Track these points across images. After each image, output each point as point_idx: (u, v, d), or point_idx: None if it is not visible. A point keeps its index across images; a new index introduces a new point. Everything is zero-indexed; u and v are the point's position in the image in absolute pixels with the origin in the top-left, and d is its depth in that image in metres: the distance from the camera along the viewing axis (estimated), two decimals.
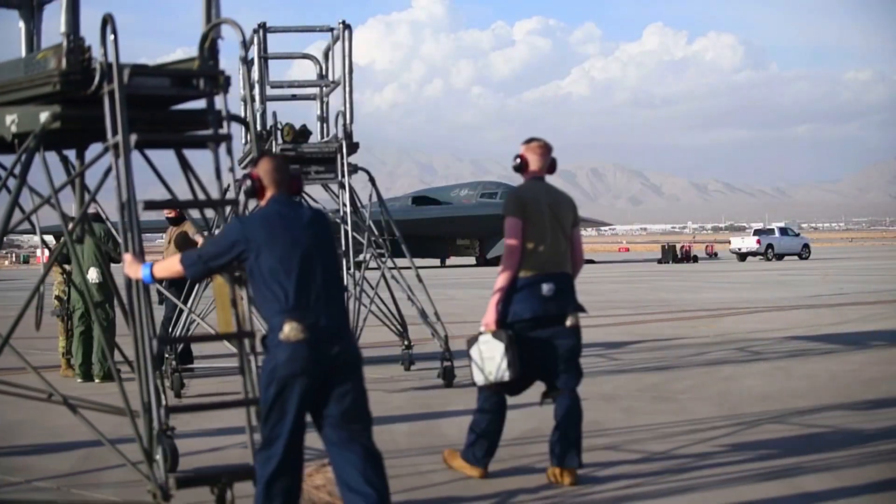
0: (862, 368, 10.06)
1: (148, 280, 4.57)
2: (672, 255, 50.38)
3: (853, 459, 6.01)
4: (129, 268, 4.62)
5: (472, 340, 5.60)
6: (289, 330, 4.06)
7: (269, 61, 9.78)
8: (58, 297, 10.37)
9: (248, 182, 4.30)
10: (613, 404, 8.11)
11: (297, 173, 4.45)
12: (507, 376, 5.45)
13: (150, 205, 4.88)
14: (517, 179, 6.02)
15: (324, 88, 10.32)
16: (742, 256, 51.32)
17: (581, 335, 5.68)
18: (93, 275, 9.81)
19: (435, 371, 9.57)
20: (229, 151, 4.98)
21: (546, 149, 5.82)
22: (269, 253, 4.13)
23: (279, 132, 9.59)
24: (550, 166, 5.86)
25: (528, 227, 5.57)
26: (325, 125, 10.50)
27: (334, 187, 9.94)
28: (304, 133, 9.75)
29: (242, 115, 10.53)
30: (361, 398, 4.25)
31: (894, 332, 13.60)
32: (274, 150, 9.42)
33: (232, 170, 4.85)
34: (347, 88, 9.61)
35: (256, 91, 9.62)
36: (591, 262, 55.00)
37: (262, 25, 9.61)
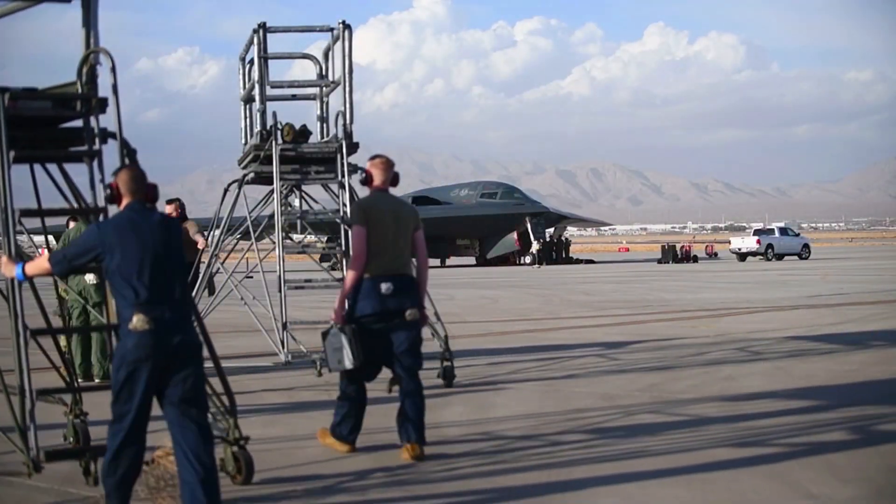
0: (862, 368, 10.06)
1: (20, 277, 5.06)
2: (672, 255, 50.42)
3: (854, 459, 6.01)
4: (5, 268, 5.14)
5: (325, 333, 6.28)
6: (136, 321, 4.63)
7: (270, 61, 9.77)
8: (59, 297, 10.36)
9: (108, 190, 4.92)
10: (613, 404, 8.11)
11: (152, 184, 5.01)
12: (348, 365, 6.16)
13: (26, 212, 5.49)
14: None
15: (324, 88, 10.32)
16: (742, 256, 51.34)
17: (421, 328, 6.46)
18: (90, 277, 9.82)
19: (435, 371, 9.56)
20: (100, 166, 5.49)
21: (388, 164, 6.53)
22: (121, 253, 4.70)
23: (279, 132, 9.58)
24: (393, 179, 6.58)
25: (371, 234, 6.25)
26: (325, 125, 10.50)
27: (334, 187, 9.93)
28: (304, 133, 9.75)
29: (244, 114, 10.56)
30: (199, 383, 4.82)
31: (894, 332, 13.60)
32: (274, 149, 9.42)
33: (102, 181, 5.36)
34: (347, 88, 9.61)
35: (256, 91, 9.62)
36: (591, 262, 55.21)
37: (262, 25, 9.62)
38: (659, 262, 49.82)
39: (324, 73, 10.28)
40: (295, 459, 6.25)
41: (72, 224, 10.72)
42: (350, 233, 6.34)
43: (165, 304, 4.70)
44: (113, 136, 5.52)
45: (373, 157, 6.55)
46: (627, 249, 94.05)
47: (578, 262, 55.30)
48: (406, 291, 6.34)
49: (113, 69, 5.39)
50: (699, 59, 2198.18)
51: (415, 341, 6.42)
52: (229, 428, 5.51)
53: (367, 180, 6.53)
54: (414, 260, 6.57)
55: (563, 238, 62.22)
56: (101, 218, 5.54)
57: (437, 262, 53.93)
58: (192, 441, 4.71)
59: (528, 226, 50.87)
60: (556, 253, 56.02)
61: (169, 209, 10.92)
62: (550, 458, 6.15)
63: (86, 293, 9.52)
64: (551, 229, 57.48)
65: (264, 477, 5.63)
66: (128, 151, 5.44)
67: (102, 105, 5.57)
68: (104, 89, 5.67)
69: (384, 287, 6.22)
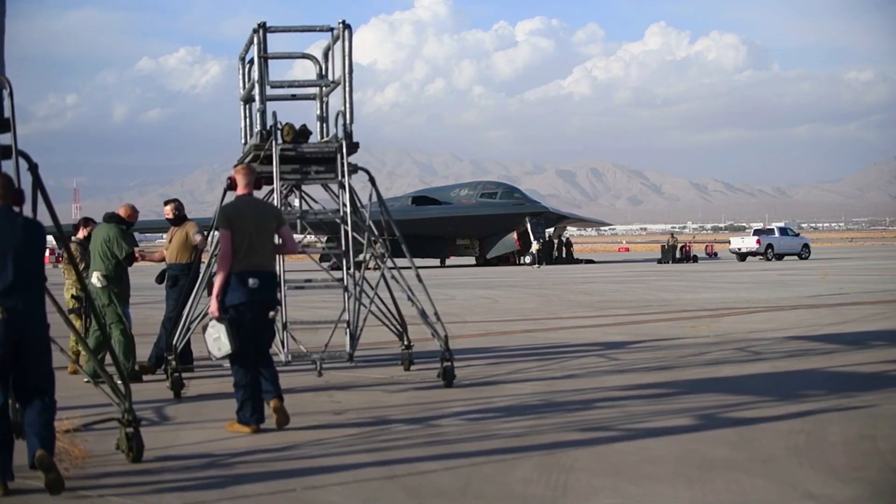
0: (862, 368, 10.06)
1: None
2: (672, 254, 50.42)
3: (854, 459, 6.01)
4: None
5: (205, 326, 7.14)
6: None
7: (271, 61, 9.76)
8: (75, 297, 10.39)
9: None
10: (613, 404, 8.10)
11: (19, 190, 5.66)
12: (226, 350, 7.00)
13: None
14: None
15: (323, 88, 10.30)
16: (742, 256, 51.36)
17: (274, 323, 7.46)
18: (94, 279, 9.88)
19: (435, 371, 9.57)
20: None
21: (249, 170, 7.44)
22: None
23: (279, 132, 9.57)
24: (256, 184, 7.49)
25: (235, 236, 7.05)
26: (325, 125, 10.49)
27: (334, 187, 9.92)
28: (304, 133, 9.73)
29: (244, 114, 10.55)
30: (45, 365, 5.55)
31: (894, 332, 13.60)
32: (274, 149, 9.41)
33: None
34: (347, 88, 9.59)
35: (256, 91, 9.61)
36: (590, 262, 55.23)
37: (262, 25, 9.59)
38: (659, 262, 49.84)
39: (324, 72, 10.27)
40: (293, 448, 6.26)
41: (81, 232, 10.78)
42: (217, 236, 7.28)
43: (20, 297, 5.39)
44: (11, 151, 5.93)
45: (236, 165, 7.36)
46: (627, 249, 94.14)
47: (578, 262, 55.36)
48: (270, 287, 7.21)
49: (10, 94, 5.97)
50: (700, 59, 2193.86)
51: (270, 335, 7.38)
52: (124, 412, 6.13)
53: (231, 186, 7.38)
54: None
55: (567, 238, 62.40)
56: None
57: (436, 262, 53.98)
58: (33, 418, 5.45)
59: (528, 226, 50.88)
60: (559, 252, 56.26)
61: (167, 210, 10.90)
62: (550, 458, 6.15)
63: (93, 295, 9.54)
64: (551, 229, 57.53)
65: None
66: (30, 166, 5.84)
67: (6, 125, 6.02)
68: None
69: (251, 281, 7.04)
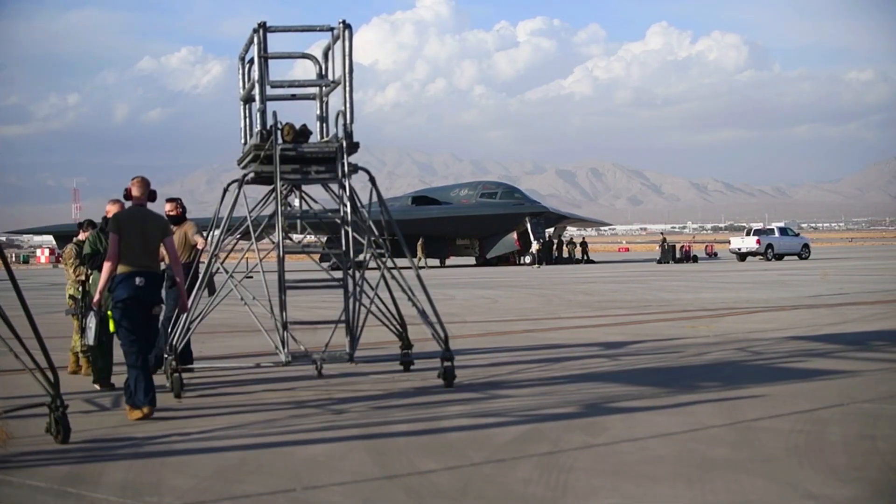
0: (862, 368, 10.06)
1: None
2: (671, 254, 50.46)
3: (854, 459, 6.01)
4: None
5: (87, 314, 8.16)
6: None
7: (271, 61, 9.75)
8: (72, 297, 10.40)
9: None
10: (612, 404, 8.10)
11: None
12: (90, 341, 8.22)
13: None
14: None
15: (323, 88, 10.29)
16: (742, 256, 51.39)
17: (159, 319, 8.57)
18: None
19: (435, 371, 9.57)
20: None
21: (143, 183, 8.30)
22: None
23: (279, 132, 9.57)
24: (150, 195, 8.29)
25: (123, 239, 7.97)
26: (325, 125, 10.48)
27: (334, 187, 9.92)
28: (304, 133, 9.72)
29: (244, 114, 10.54)
30: None
31: (894, 332, 13.60)
32: (274, 149, 9.40)
33: None
34: (347, 88, 9.58)
35: (256, 90, 9.60)
36: (591, 262, 55.26)
37: (262, 25, 9.58)
38: (658, 262, 49.86)
39: (324, 72, 10.26)
40: (295, 460, 6.26)
41: (82, 234, 10.78)
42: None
43: None
44: None
45: (134, 178, 8.31)
46: (627, 249, 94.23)
47: (578, 262, 55.42)
48: (153, 286, 8.06)
49: None
50: (701, 58, 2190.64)
51: (155, 330, 8.31)
52: (54, 398, 6.74)
53: (127, 196, 8.25)
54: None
55: (582, 238, 62.65)
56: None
57: (436, 262, 54.00)
58: None
59: (528, 226, 50.94)
60: (571, 253, 56.52)
61: (168, 208, 10.91)
62: (550, 458, 6.15)
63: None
64: (551, 229, 57.61)
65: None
66: None
67: None
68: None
69: (138, 280, 7.92)
